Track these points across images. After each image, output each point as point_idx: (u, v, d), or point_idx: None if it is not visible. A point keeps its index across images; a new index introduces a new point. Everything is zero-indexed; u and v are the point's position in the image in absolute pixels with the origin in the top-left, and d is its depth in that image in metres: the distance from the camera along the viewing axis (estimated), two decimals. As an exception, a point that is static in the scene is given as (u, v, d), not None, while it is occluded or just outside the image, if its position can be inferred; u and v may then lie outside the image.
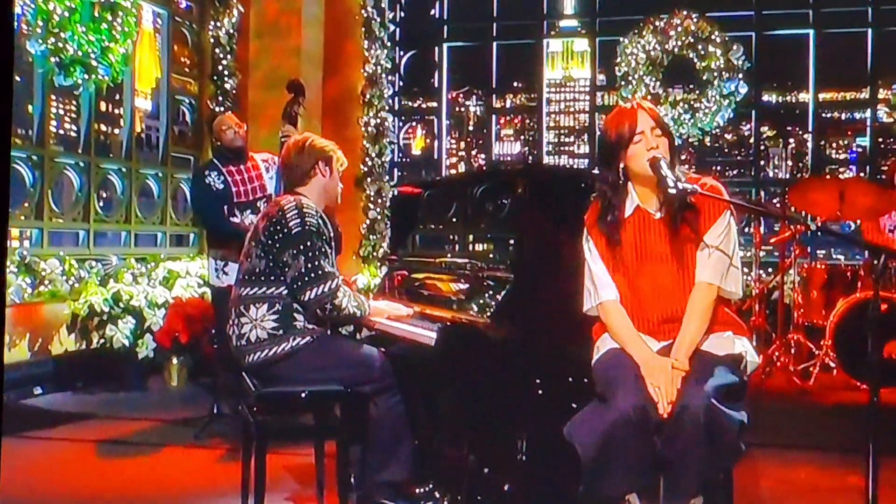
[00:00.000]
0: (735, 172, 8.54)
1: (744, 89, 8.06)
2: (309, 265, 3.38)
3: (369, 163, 8.63)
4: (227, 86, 8.37)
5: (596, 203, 2.96)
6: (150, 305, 6.66)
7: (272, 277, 3.44)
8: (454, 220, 3.72)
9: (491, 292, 3.29)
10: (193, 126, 8.58)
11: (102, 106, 7.94)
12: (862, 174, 8.28)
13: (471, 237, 4.03)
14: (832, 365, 5.62)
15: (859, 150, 8.37)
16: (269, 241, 3.44)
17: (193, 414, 5.55)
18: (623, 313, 2.83)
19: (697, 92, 8.12)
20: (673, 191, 2.62)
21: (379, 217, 8.68)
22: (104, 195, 7.72)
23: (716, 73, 8.00)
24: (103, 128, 8.04)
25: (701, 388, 2.55)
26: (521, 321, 3.17)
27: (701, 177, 2.90)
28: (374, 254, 8.71)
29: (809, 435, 4.89)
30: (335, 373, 3.41)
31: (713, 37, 8.02)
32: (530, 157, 8.91)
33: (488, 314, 3.20)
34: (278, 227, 3.44)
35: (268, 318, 3.41)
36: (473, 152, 9.47)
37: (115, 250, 7.49)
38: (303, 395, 3.30)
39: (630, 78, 8.18)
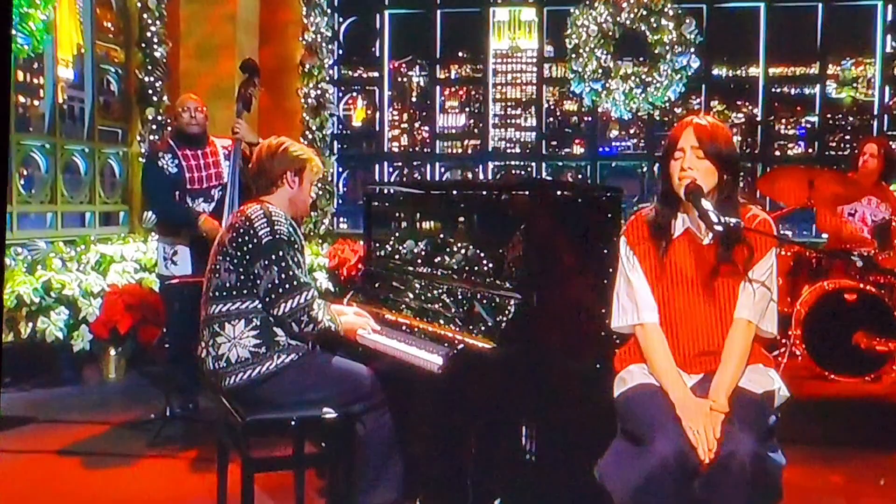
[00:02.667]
0: (684, 147, 8.42)
1: (696, 64, 7.94)
2: (283, 276, 3.15)
3: (309, 136, 8.26)
4: (157, 54, 7.86)
5: (639, 215, 2.75)
6: (84, 295, 6.25)
7: (245, 291, 3.20)
8: (453, 231, 3.46)
9: (493, 311, 3.07)
10: (120, 96, 8.07)
11: (20, 76, 7.39)
12: (811, 150, 8.31)
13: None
14: (798, 353, 5.60)
15: (808, 125, 8.38)
16: (238, 253, 3.20)
17: (140, 412, 5.27)
18: (664, 341, 2.63)
19: (648, 66, 7.97)
20: (719, 228, 2.43)
21: (321, 192, 8.33)
22: (25, 173, 7.21)
23: (668, 47, 7.85)
24: (22, 100, 7.49)
25: (747, 433, 2.41)
26: (530, 342, 2.98)
27: (750, 207, 2.71)
28: (315, 231, 8.38)
29: (786, 430, 4.83)
30: (323, 392, 3.19)
31: (666, 10, 7.86)
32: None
33: (496, 336, 2.98)
34: (246, 238, 3.20)
35: (247, 335, 3.17)
36: (417, 124, 9.16)
37: (41, 233, 7.00)
38: (292, 422, 3.05)
39: (581, 50, 7.96)
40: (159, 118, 7.73)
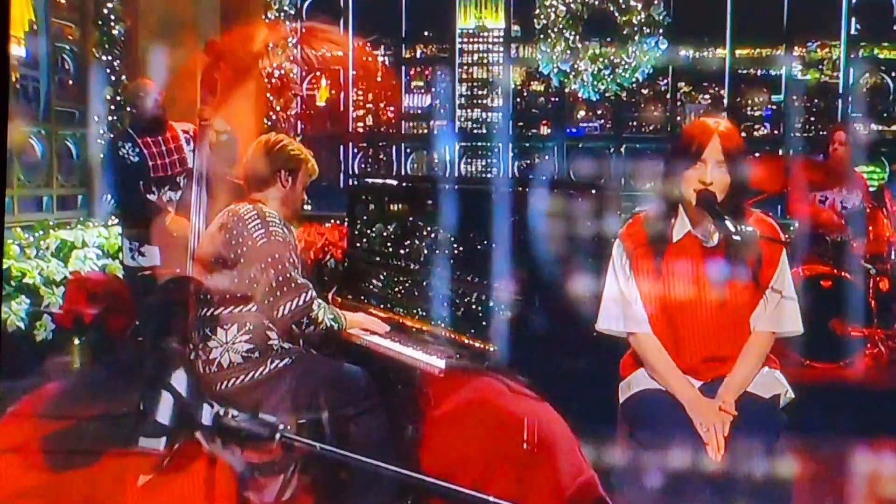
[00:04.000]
0: (651, 128, 8.45)
1: (664, 45, 7.93)
2: (280, 278, 3.08)
3: (273, 117, 8.10)
4: (115, 32, 7.61)
5: (637, 218, 2.71)
6: (46, 283, 6.07)
7: (238, 294, 3.12)
8: (450, 228, 3.39)
9: (493, 312, 3.02)
10: (77, 76, 7.80)
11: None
12: (776, 132, 8.37)
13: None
14: (773, 339, 5.66)
15: (774, 107, 8.42)
16: (232, 255, 3.13)
17: (109, 406, 5.09)
18: (660, 346, 2.61)
19: (617, 47, 7.93)
20: (737, 237, 2.40)
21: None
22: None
23: (636, 29, 7.82)
24: (-27, 80, 7.19)
25: (760, 439, 2.43)
26: (531, 343, 2.94)
27: (753, 212, 2.68)
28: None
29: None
30: (317, 396, 3.12)
31: (634, -10, 7.82)
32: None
33: (497, 337, 2.93)
34: (240, 240, 3.13)
35: (240, 339, 3.08)
36: (382, 104, 9.01)
37: (-3, 219, 6.76)
38: (287, 426, 2.97)
39: (549, 31, 7.91)
40: (118, 99, 7.50)
